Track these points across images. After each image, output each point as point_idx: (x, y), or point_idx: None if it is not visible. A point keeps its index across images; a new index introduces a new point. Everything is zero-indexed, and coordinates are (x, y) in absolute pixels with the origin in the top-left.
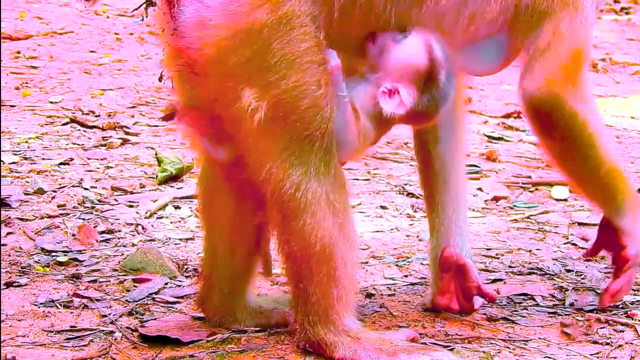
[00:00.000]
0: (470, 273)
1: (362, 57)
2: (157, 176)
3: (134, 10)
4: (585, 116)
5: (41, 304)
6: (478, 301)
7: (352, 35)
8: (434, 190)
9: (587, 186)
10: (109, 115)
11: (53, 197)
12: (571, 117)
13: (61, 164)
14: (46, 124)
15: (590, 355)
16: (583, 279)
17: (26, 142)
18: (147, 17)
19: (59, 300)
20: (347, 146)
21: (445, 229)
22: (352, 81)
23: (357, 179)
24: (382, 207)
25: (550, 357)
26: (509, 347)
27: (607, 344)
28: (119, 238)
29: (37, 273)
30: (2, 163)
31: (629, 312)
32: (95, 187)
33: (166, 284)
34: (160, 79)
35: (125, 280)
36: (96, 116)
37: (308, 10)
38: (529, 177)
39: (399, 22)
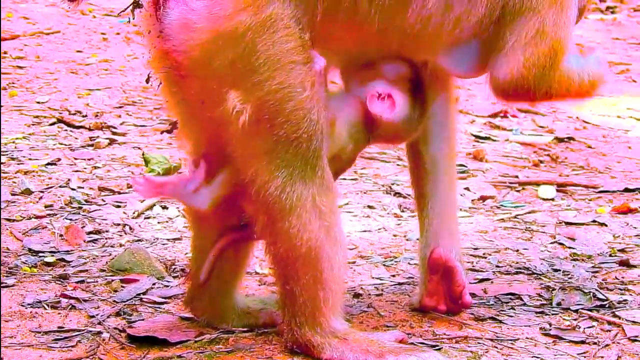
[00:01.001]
0: (457, 276)
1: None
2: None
3: (121, 12)
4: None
5: (29, 304)
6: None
7: (336, 37)
8: (424, 190)
9: None
10: (96, 116)
11: (40, 198)
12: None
13: (48, 164)
14: (33, 124)
15: (578, 354)
16: (570, 278)
17: (13, 142)
18: (133, 18)
19: (46, 301)
20: None
21: (435, 230)
22: (334, 91)
23: (344, 179)
24: (370, 207)
25: (537, 357)
26: (496, 347)
27: (595, 343)
28: (106, 238)
29: (24, 274)
30: None
31: (615, 312)
32: (83, 188)
33: (154, 284)
34: (147, 81)
35: (112, 280)
36: (83, 116)
37: (291, 13)
38: (516, 176)
39: (383, 25)
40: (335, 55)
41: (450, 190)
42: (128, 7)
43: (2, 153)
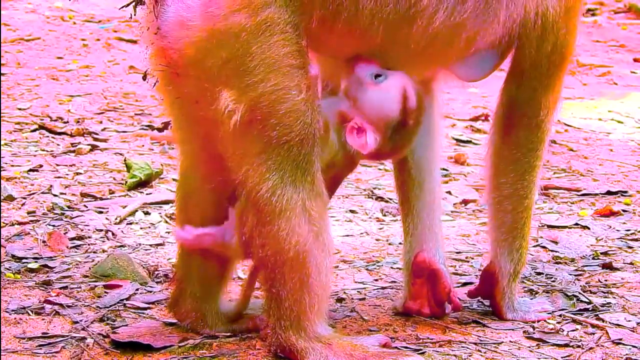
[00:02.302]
0: (443, 279)
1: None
2: (126, 182)
3: (122, 7)
4: (545, 135)
5: (12, 310)
6: (449, 306)
7: (333, 45)
8: (408, 194)
9: (504, 212)
10: (78, 122)
11: (23, 204)
12: (538, 127)
13: (30, 170)
14: (15, 131)
15: (562, 357)
16: (553, 281)
17: None
18: (135, 15)
19: (30, 307)
20: None
21: (419, 234)
22: (326, 96)
23: None
24: (352, 211)
25: None
26: (480, 351)
27: (578, 346)
28: (89, 244)
29: (8, 280)
30: None
31: (599, 315)
32: (65, 194)
33: (137, 289)
34: (144, 78)
35: (96, 286)
36: (64, 122)
37: (288, 19)
38: None
39: (386, 38)
40: (331, 62)
41: (435, 195)
42: (130, 2)
43: None
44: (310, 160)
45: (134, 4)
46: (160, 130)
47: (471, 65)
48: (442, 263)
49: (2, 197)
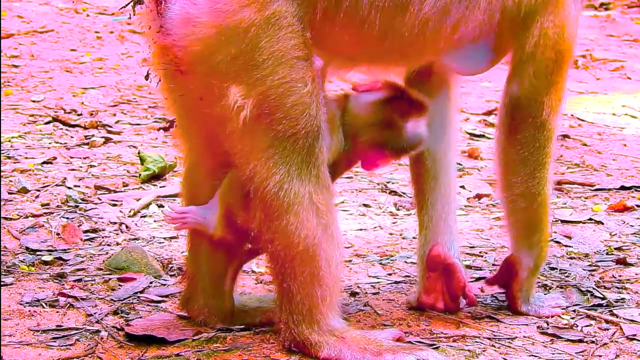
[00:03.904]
0: (457, 273)
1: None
2: (140, 175)
3: (121, 8)
4: (551, 133)
5: (27, 303)
6: (463, 301)
7: (336, 37)
8: (424, 187)
9: (519, 209)
10: (91, 114)
11: (37, 196)
12: (543, 126)
13: (44, 162)
14: (29, 123)
15: (576, 353)
16: (567, 276)
17: (9, 141)
18: (134, 15)
19: (44, 299)
20: None
21: (434, 227)
22: (333, 95)
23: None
24: (365, 205)
25: (535, 356)
26: (494, 346)
27: (592, 342)
28: (103, 237)
29: (22, 272)
30: None
31: (613, 310)
32: (79, 186)
33: (151, 282)
34: (146, 77)
35: (110, 279)
36: (78, 115)
37: (294, 11)
38: None
39: (383, 28)
40: (335, 55)
41: (450, 189)
42: (129, 3)
43: None
44: (314, 153)
45: (132, 3)
46: (166, 129)
47: (464, 57)
48: (456, 257)
49: (16, 189)
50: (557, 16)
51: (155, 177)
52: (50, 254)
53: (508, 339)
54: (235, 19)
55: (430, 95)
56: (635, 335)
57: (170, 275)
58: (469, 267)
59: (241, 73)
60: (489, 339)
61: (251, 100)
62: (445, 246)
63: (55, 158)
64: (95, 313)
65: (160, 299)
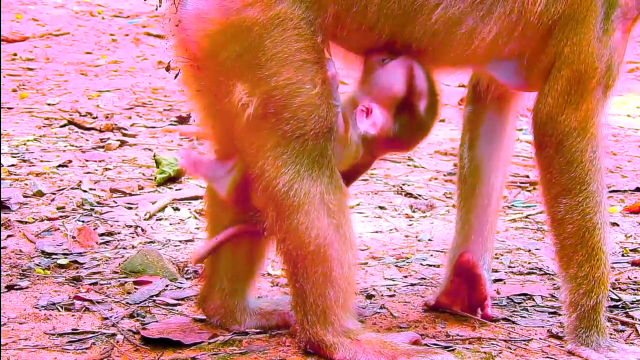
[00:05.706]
0: (482, 285)
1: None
2: (155, 178)
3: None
4: (574, 157)
5: (42, 306)
6: (479, 312)
7: (347, 41)
8: (461, 191)
9: (551, 234)
10: (106, 117)
11: (52, 200)
12: (561, 146)
13: (60, 166)
14: (44, 126)
15: None
16: None
17: (24, 144)
18: (160, 6)
19: (60, 303)
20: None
21: (467, 234)
22: (346, 94)
23: None
24: (381, 208)
25: (551, 357)
26: (510, 348)
27: None
28: (118, 240)
29: (37, 276)
30: (0, 166)
31: (629, 312)
32: (94, 189)
33: (167, 286)
34: (167, 69)
35: (125, 282)
36: (93, 118)
37: (302, 15)
38: (527, 176)
39: (390, 35)
40: (347, 60)
41: (490, 199)
42: None
43: (13, 155)
44: (326, 154)
45: None
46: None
47: (501, 70)
48: (485, 269)
49: (31, 193)
50: (577, 35)
51: (171, 179)
52: (66, 257)
53: (524, 341)
54: (239, 17)
55: (489, 107)
56: None
57: (186, 278)
58: None
59: (245, 71)
60: (504, 341)
61: (256, 99)
62: (476, 255)
63: (70, 161)
64: (111, 316)
65: (176, 302)
